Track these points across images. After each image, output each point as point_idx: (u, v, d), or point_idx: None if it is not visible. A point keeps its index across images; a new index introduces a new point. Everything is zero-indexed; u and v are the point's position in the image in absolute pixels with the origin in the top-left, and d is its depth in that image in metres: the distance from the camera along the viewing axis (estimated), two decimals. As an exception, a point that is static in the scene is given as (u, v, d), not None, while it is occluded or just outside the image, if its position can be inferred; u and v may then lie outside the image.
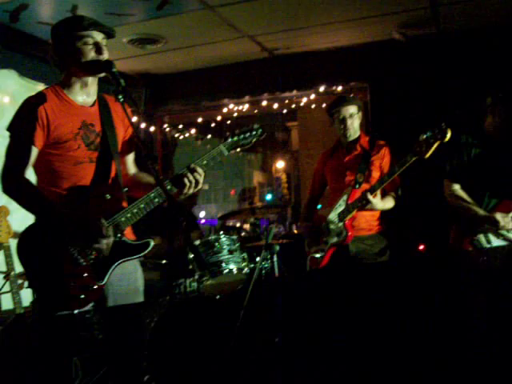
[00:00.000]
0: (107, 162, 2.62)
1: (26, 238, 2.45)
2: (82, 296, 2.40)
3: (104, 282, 2.46)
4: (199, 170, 2.55)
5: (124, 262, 2.52)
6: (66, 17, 2.63)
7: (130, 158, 2.84)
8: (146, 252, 2.55)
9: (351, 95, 4.20)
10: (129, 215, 2.50)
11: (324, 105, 4.17)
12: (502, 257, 3.35)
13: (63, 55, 2.53)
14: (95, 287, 2.44)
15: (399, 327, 3.44)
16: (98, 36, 2.52)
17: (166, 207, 2.44)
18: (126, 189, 2.62)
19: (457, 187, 3.54)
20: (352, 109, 3.89)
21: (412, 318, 3.42)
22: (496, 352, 3.10)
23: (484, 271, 3.30)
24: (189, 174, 2.52)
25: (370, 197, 3.58)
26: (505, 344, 3.12)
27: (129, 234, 2.60)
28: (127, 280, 2.65)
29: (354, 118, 3.90)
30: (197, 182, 2.54)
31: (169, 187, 2.52)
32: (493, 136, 3.50)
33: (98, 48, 2.50)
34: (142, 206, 2.51)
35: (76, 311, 2.40)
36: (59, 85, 2.59)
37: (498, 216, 3.35)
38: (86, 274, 2.41)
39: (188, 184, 2.52)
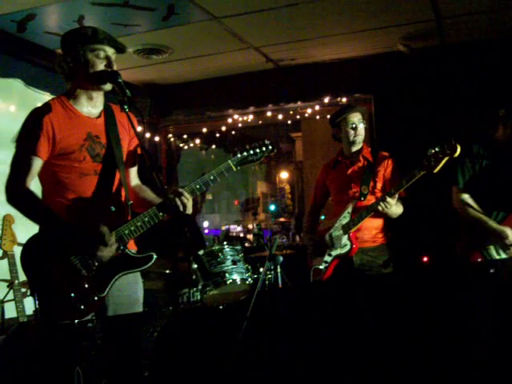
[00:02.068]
0: (112, 174, 2.62)
1: (29, 247, 2.46)
2: (83, 307, 2.41)
3: (105, 294, 2.46)
4: (186, 194, 2.52)
5: (126, 274, 2.53)
6: (75, 27, 2.67)
7: (133, 169, 2.84)
8: (149, 266, 2.55)
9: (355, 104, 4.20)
10: (132, 228, 2.50)
11: (329, 116, 4.15)
12: (509, 269, 3.35)
13: (73, 64, 2.53)
14: (96, 298, 2.44)
15: (404, 339, 3.42)
16: (110, 50, 2.54)
17: (171, 219, 2.45)
18: (131, 202, 2.61)
19: (466, 196, 3.53)
20: (359, 115, 3.89)
21: (417, 330, 3.40)
22: (502, 364, 3.08)
23: (492, 283, 3.29)
24: (176, 199, 2.48)
25: (387, 198, 3.53)
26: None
27: (131, 245, 2.60)
28: (127, 290, 2.65)
29: (361, 124, 3.88)
30: (184, 206, 2.49)
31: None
32: (504, 147, 3.49)
33: (108, 62, 2.52)
34: (146, 219, 2.50)
35: (76, 321, 2.40)
36: (65, 95, 2.60)
37: (509, 231, 3.35)
38: (87, 285, 2.42)
39: (176, 209, 2.47)
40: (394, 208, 3.63)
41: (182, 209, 2.47)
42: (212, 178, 2.62)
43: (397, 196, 3.58)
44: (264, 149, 2.75)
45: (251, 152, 2.71)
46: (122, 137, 2.68)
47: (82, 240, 2.41)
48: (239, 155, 2.69)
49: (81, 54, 2.50)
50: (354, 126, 3.85)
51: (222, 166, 2.66)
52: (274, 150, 2.78)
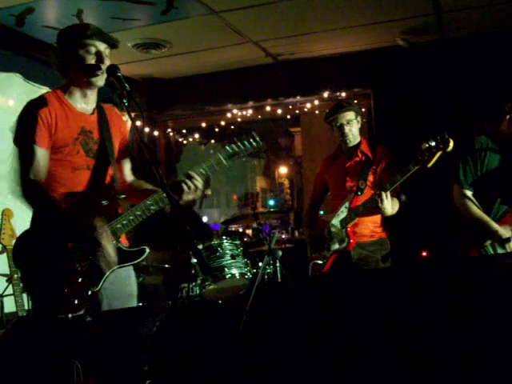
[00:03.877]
0: (104, 169, 2.64)
1: (21, 242, 2.47)
2: (76, 301, 2.41)
3: (98, 288, 2.47)
4: (197, 176, 2.56)
5: (119, 268, 2.53)
6: (72, 22, 2.67)
7: (127, 167, 2.86)
8: (142, 259, 2.57)
9: (348, 101, 4.19)
10: (124, 222, 2.51)
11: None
12: (505, 264, 3.35)
13: (65, 61, 2.55)
14: (89, 293, 2.44)
15: (402, 334, 3.43)
16: (101, 45, 2.54)
17: (170, 212, 2.45)
18: (123, 196, 2.63)
19: (469, 194, 3.52)
20: (349, 115, 3.87)
21: (415, 325, 3.40)
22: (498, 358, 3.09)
23: (487, 278, 3.30)
24: (187, 181, 2.53)
25: (382, 196, 3.54)
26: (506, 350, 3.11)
27: (123, 240, 2.61)
28: (121, 284, 2.66)
29: (351, 124, 3.87)
30: (196, 188, 2.55)
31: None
32: (507, 141, 3.47)
33: (98, 57, 2.52)
34: (138, 213, 2.52)
35: (70, 315, 2.41)
36: (60, 89, 2.61)
37: (509, 231, 3.35)
38: (80, 280, 2.42)
39: (187, 190, 2.53)
40: (390, 204, 3.63)
41: (194, 191, 2.53)
42: (202, 171, 2.61)
43: (389, 194, 3.58)
44: (253, 141, 2.74)
45: (240, 145, 2.71)
46: (114, 135, 2.70)
47: (87, 237, 2.42)
48: (228, 148, 2.69)
49: (72, 50, 2.51)
50: (341, 127, 3.86)
51: (213, 159, 2.66)
52: (262, 143, 2.77)
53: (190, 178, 2.55)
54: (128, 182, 2.85)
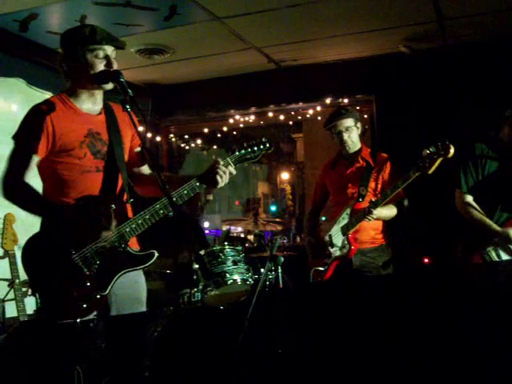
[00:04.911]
0: (114, 171, 2.62)
1: (30, 246, 2.46)
2: (85, 305, 2.40)
3: (107, 292, 2.46)
4: (222, 167, 2.57)
5: (127, 272, 2.52)
6: (76, 25, 2.66)
7: (143, 161, 2.82)
8: (150, 263, 2.55)
9: (347, 108, 4.20)
10: (133, 226, 2.49)
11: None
12: (508, 271, 3.34)
13: (73, 65, 2.54)
14: (98, 297, 2.44)
15: (403, 339, 3.42)
16: (109, 49, 2.54)
17: (173, 217, 2.44)
18: (132, 199, 2.61)
19: (470, 199, 3.52)
20: (348, 122, 3.87)
21: (417, 330, 3.40)
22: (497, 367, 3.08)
23: (490, 285, 3.29)
24: (218, 170, 2.54)
25: (373, 211, 3.57)
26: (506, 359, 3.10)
27: (133, 244, 2.60)
28: (130, 289, 2.65)
29: (350, 130, 3.87)
30: (221, 178, 2.56)
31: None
32: (509, 148, 3.47)
33: (108, 62, 2.52)
34: (147, 217, 2.50)
35: (78, 320, 2.40)
36: (65, 92, 2.60)
37: (511, 232, 3.35)
38: (89, 284, 2.41)
39: (219, 179, 2.54)
40: (381, 215, 3.67)
41: (220, 181, 2.55)
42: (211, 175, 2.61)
43: (378, 209, 3.60)
44: (262, 146, 2.73)
45: (249, 150, 2.69)
46: (124, 132, 2.68)
47: (82, 221, 2.41)
48: (237, 153, 2.67)
49: (80, 54, 2.50)
50: (340, 134, 3.87)
51: (222, 161, 2.64)
52: (271, 147, 2.76)
53: (220, 166, 2.56)
54: (147, 174, 2.81)
